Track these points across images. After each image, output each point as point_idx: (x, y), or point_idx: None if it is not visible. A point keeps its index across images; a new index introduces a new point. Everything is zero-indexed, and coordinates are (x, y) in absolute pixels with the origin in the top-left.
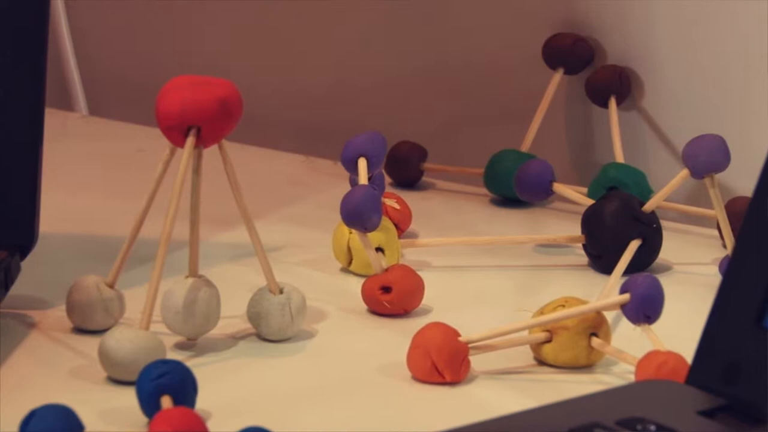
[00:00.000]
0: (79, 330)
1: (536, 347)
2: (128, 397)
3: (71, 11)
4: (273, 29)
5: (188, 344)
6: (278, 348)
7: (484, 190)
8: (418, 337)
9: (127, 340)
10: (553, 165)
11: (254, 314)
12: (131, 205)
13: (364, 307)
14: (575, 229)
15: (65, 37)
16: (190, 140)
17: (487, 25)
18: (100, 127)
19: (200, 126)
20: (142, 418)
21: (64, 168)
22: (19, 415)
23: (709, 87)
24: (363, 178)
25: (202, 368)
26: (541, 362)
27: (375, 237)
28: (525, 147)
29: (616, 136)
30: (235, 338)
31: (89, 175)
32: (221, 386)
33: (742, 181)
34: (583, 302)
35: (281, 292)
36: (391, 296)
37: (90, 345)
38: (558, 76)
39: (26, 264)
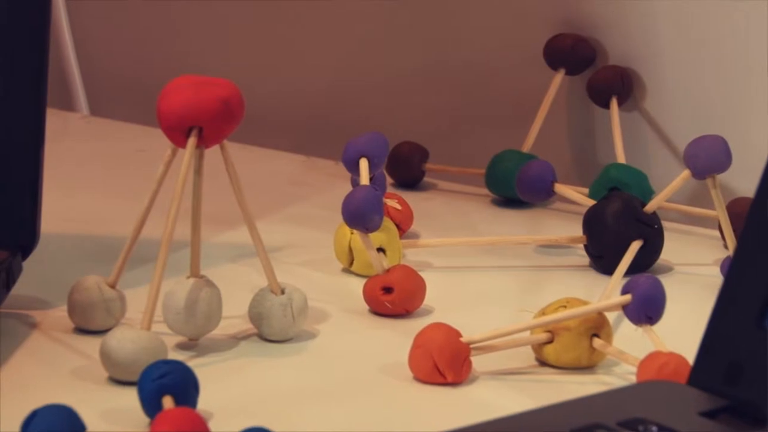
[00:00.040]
0: (81, 330)
1: (538, 348)
2: (130, 398)
3: (72, 12)
4: (274, 29)
5: (190, 344)
6: (280, 348)
7: (486, 191)
8: (420, 338)
9: (129, 341)
10: (554, 165)
11: (256, 314)
12: (133, 205)
13: (366, 307)
14: (576, 230)
15: (66, 37)
16: (192, 140)
17: (489, 25)
18: (101, 127)
19: (202, 126)
20: (144, 419)
21: (66, 168)
22: (20, 415)
23: (711, 88)
24: (364, 178)
25: (203, 368)
26: (542, 363)
27: (376, 237)
28: (526, 147)
29: (618, 137)
30: (236, 338)
31: (90, 175)
32: (223, 386)
33: (743, 181)
34: (585, 303)
35: (283, 292)
36: (393, 297)
37: (91, 345)
38: (559, 77)
39: (28, 264)
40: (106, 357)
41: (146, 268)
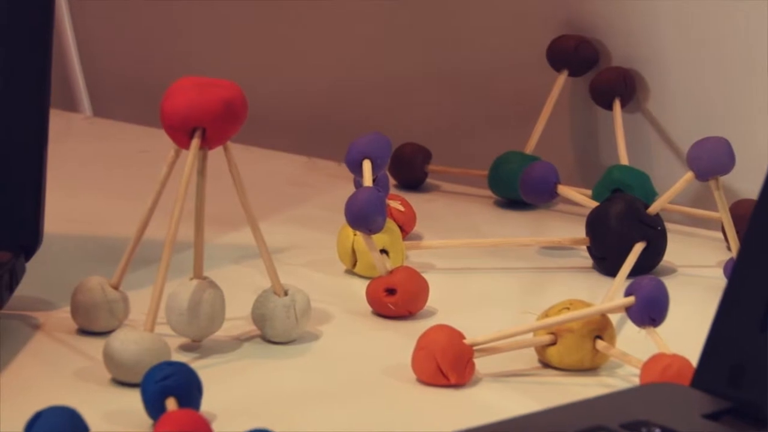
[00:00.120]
0: (84, 331)
1: (541, 350)
2: (133, 399)
3: (75, 12)
4: (277, 30)
5: (193, 346)
6: (283, 350)
7: (489, 192)
8: (423, 339)
9: (132, 342)
10: (557, 167)
11: (259, 316)
12: (136, 206)
13: (369, 309)
14: (580, 231)
15: (69, 38)
16: (195, 142)
17: (492, 26)
18: (104, 128)
19: (205, 127)
20: (147, 420)
21: (68, 169)
22: (23, 416)
23: (714, 89)
24: (367, 179)
25: (206, 370)
26: (545, 365)
27: (379, 239)
28: (529, 149)
29: (621, 138)
30: (239, 340)
31: (93, 176)
32: (226, 388)
33: (746, 183)
34: (588, 305)
35: (286, 293)
36: (396, 298)
37: (94, 346)
38: (562, 78)
39: (31, 265)
40: (109, 358)
41: (149, 270)
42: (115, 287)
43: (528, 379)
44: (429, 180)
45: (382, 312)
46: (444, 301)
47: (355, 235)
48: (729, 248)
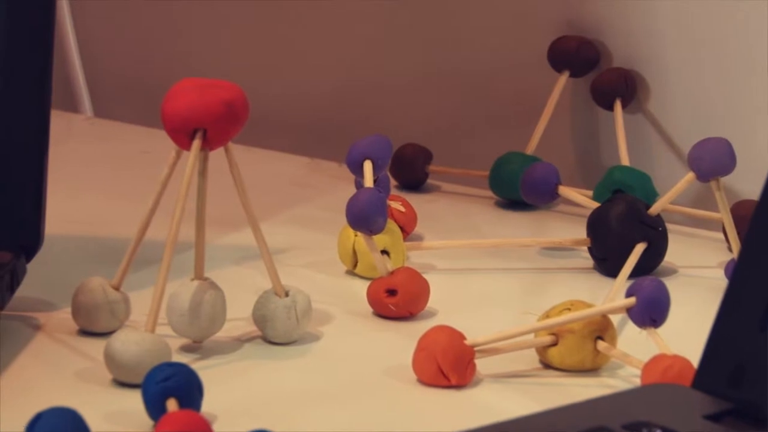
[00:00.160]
0: (85, 332)
1: (542, 350)
2: (134, 400)
3: (76, 13)
4: (278, 31)
5: (194, 347)
6: (284, 351)
7: (490, 193)
8: (424, 340)
9: (133, 343)
10: (558, 168)
11: (260, 317)
12: (137, 206)
13: (370, 309)
14: (580, 232)
15: (70, 38)
16: (196, 143)
17: (493, 27)
18: (105, 128)
19: (206, 129)
20: (148, 421)
21: (69, 170)
22: (24, 417)
23: (715, 90)
24: (368, 180)
25: (207, 371)
26: (546, 365)
27: (380, 239)
28: (530, 149)
29: (622, 139)
30: (240, 341)
31: (94, 176)
32: (227, 389)
33: (747, 184)
34: (589, 305)
35: (287, 294)
36: (397, 299)
37: (95, 347)
38: (563, 79)
39: (32, 266)
40: (110, 359)
41: (150, 270)
42: (116, 288)
43: (529, 380)
44: (430, 181)
45: (383, 313)
46: (445, 302)
47: (356, 235)
48: (730, 249)
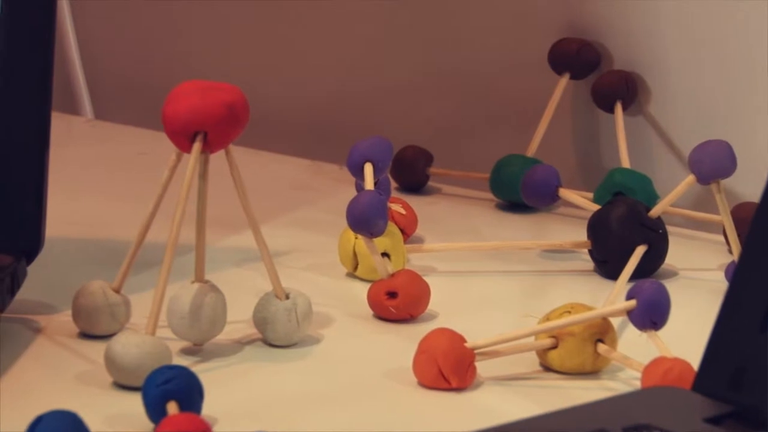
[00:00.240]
0: (85, 335)
1: (542, 353)
2: (134, 403)
3: (77, 15)
4: (278, 33)
5: (194, 349)
6: (284, 353)
7: (490, 195)
8: (424, 343)
9: (133, 345)
10: (559, 170)
11: (260, 319)
12: (137, 208)
13: (370, 312)
14: (581, 235)
15: (71, 40)
16: (197, 145)
17: (494, 29)
18: (106, 131)
19: (207, 131)
20: (148, 424)
21: (70, 172)
22: (25, 420)
23: (716, 92)
24: (369, 183)
25: (208, 374)
26: (547, 368)
27: (381, 242)
28: (531, 152)
29: (622, 141)
30: (241, 343)
31: (95, 178)
32: (227, 391)
33: (748, 186)
34: (589, 308)
35: (287, 297)
36: (397, 301)
37: (96, 350)
38: (564, 81)
39: (32, 269)
40: (110, 362)
41: (151, 273)
42: (117, 290)
43: (529, 382)
44: (430, 183)
45: (384, 315)
46: (445, 305)
47: (356, 238)
48: (730, 251)
